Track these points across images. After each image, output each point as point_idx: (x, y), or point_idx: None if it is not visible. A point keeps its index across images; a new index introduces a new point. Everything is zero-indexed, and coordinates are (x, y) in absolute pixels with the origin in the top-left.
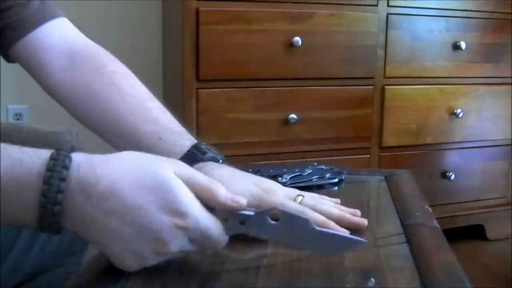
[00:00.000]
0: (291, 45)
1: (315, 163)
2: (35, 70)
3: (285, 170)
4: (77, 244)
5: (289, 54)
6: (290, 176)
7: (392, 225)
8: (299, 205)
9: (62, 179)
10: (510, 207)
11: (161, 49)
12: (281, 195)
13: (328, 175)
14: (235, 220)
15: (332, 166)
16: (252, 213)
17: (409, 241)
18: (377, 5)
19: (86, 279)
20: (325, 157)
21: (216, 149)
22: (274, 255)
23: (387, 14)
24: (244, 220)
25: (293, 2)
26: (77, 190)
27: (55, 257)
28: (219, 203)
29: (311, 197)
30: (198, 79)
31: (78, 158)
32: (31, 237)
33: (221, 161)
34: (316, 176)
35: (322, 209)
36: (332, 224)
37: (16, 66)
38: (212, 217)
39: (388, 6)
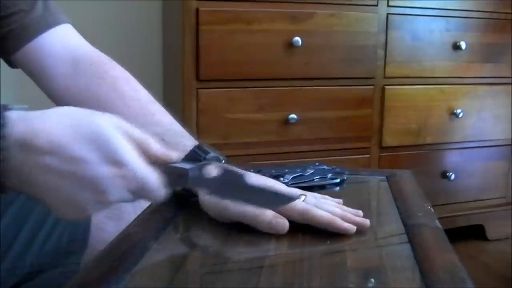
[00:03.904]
0: (291, 45)
1: (317, 163)
2: (38, 77)
3: (286, 170)
4: (76, 243)
5: (289, 54)
6: (292, 176)
7: (394, 225)
8: (304, 203)
9: (1, 137)
10: (510, 207)
11: (161, 49)
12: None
13: (329, 175)
14: (174, 173)
15: (333, 166)
16: (189, 166)
17: (411, 241)
18: (377, 5)
19: (87, 278)
20: (325, 157)
21: (216, 151)
22: (276, 255)
23: (387, 14)
24: (182, 173)
25: (293, 2)
26: (15, 147)
27: (54, 257)
28: (153, 154)
29: (313, 197)
30: (198, 79)
31: (12, 116)
32: (30, 237)
33: (223, 161)
34: (318, 176)
35: (324, 209)
36: (338, 220)
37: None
38: (150, 168)
39: (388, 6)
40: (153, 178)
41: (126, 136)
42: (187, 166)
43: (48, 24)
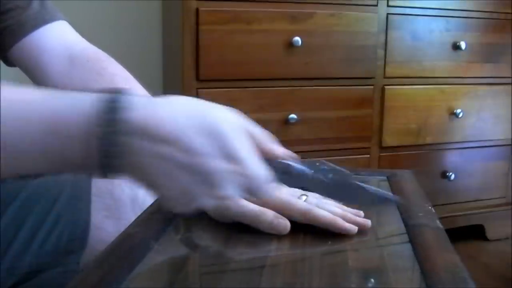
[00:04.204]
0: (291, 45)
1: (317, 163)
2: (34, 73)
3: None
4: (76, 243)
5: (289, 54)
6: None
7: (394, 225)
8: (305, 203)
9: (122, 121)
10: (510, 207)
11: (161, 49)
12: (286, 192)
13: (330, 175)
14: (284, 170)
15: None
16: (298, 166)
17: (412, 241)
18: (377, 5)
19: (88, 279)
20: (325, 157)
21: None
22: (277, 256)
23: (387, 14)
24: (291, 171)
25: (293, 2)
26: (136, 132)
27: (53, 256)
28: (271, 151)
29: (314, 197)
30: (198, 79)
31: (136, 99)
32: (29, 236)
33: None
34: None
35: (326, 209)
36: (339, 220)
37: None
38: (264, 165)
39: (388, 6)
40: (265, 176)
41: (244, 130)
42: (296, 165)
43: (44, 20)
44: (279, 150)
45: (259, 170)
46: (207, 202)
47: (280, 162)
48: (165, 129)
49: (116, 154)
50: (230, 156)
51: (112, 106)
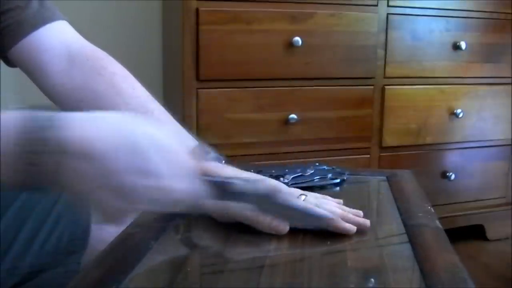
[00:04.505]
0: (291, 45)
1: (317, 164)
2: (34, 73)
3: (287, 170)
4: (76, 243)
5: (289, 54)
6: (292, 177)
7: (394, 225)
8: (305, 203)
9: (43, 140)
10: (510, 207)
11: (161, 49)
12: (286, 192)
13: (330, 175)
14: (221, 186)
15: (334, 166)
16: (232, 181)
17: (411, 242)
18: (377, 5)
19: (88, 279)
20: (325, 157)
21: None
22: (276, 256)
23: (387, 14)
24: (229, 188)
25: (293, 2)
26: (58, 152)
27: (54, 257)
28: (199, 164)
29: (313, 197)
30: (198, 79)
31: (58, 117)
32: (30, 237)
33: (223, 161)
34: (318, 177)
35: (325, 209)
36: (339, 220)
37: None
38: (190, 179)
39: (388, 6)
40: (190, 190)
41: (168, 147)
42: (233, 180)
43: (44, 20)
44: (210, 165)
45: (180, 184)
46: (127, 214)
47: (213, 177)
48: (83, 146)
49: (38, 172)
50: (148, 173)
51: (33, 125)
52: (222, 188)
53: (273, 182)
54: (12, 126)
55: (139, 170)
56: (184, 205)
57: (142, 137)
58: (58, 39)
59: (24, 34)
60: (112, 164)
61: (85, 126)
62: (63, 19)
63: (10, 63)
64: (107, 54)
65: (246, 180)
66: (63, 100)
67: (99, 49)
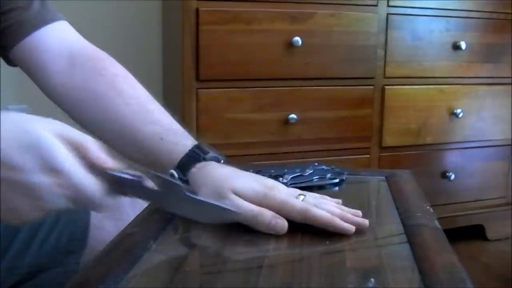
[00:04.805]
0: (291, 45)
1: (316, 163)
2: (35, 73)
3: (286, 170)
4: (75, 243)
5: (289, 54)
6: (291, 177)
7: (393, 225)
8: (303, 202)
9: None
10: (510, 207)
11: (161, 49)
12: (284, 192)
13: (329, 175)
14: (114, 181)
15: (333, 166)
16: (129, 176)
17: (410, 242)
18: (377, 5)
19: (87, 279)
20: (325, 157)
21: (216, 150)
22: (275, 256)
23: (387, 14)
24: (122, 182)
25: (293, 2)
26: None
27: (53, 256)
28: (91, 159)
29: (312, 197)
30: (198, 79)
31: None
32: (29, 236)
33: (222, 161)
34: (317, 177)
35: (324, 208)
36: (337, 220)
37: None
38: (89, 175)
39: (388, 6)
40: (90, 186)
41: (64, 141)
42: (127, 176)
43: (45, 20)
44: (105, 159)
45: (82, 180)
46: (38, 215)
47: (107, 172)
48: None
49: None
50: (50, 169)
51: None
52: (119, 183)
53: (270, 181)
54: None
55: (44, 167)
56: (86, 203)
57: (38, 133)
58: (59, 39)
59: (25, 34)
60: (10, 160)
61: None
62: (64, 19)
63: (11, 62)
64: (108, 55)
65: (138, 175)
66: (64, 100)
67: (100, 50)
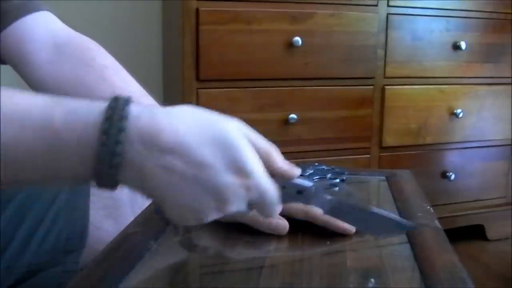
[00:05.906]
0: (291, 45)
1: (316, 163)
2: (19, 63)
3: None
4: (75, 242)
5: (289, 54)
6: None
7: None
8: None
9: (121, 130)
10: (510, 207)
11: (161, 49)
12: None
13: (329, 175)
14: (292, 189)
15: (333, 166)
16: (310, 184)
17: (410, 242)
18: (377, 5)
19: (87, 279)
20: (325, 157)
21: None
22: (276, 256)
23: (387, 14)
24: (301, 190)
25: (293, 2)
26: (137, 142)
27: (52, 256)
28: (276, 167)
29: None
30: (198, 79)
31: (137, 108)
32: (28, 235)
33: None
34: (317, 176)
35: None
36: (339, 220)
37: None
38: (271, 182)
39: (388, 6)
40: (273, 192)
41: (251, 145)
42: (308, 183)
43: (28, 9)
44: (284, 165)
45: (268, 185)
46: (213, 216)
47: (283, 178)
48: (170, 139)
49: (114, 164)
50: (239, 170)
51: (112, 114)
52: (295, 192)
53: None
54: (95, 113)
55: (229, 165)
56: (264, 209)
57: (227, 130)
58: (43, 28)
59: (7, 24)
60: (201, 157)
61: (163, 118)
62: (48, 10)
63: None
64: (97, 44)
65: (317, 184)
66: (50, 90)
67: (88, 38)
